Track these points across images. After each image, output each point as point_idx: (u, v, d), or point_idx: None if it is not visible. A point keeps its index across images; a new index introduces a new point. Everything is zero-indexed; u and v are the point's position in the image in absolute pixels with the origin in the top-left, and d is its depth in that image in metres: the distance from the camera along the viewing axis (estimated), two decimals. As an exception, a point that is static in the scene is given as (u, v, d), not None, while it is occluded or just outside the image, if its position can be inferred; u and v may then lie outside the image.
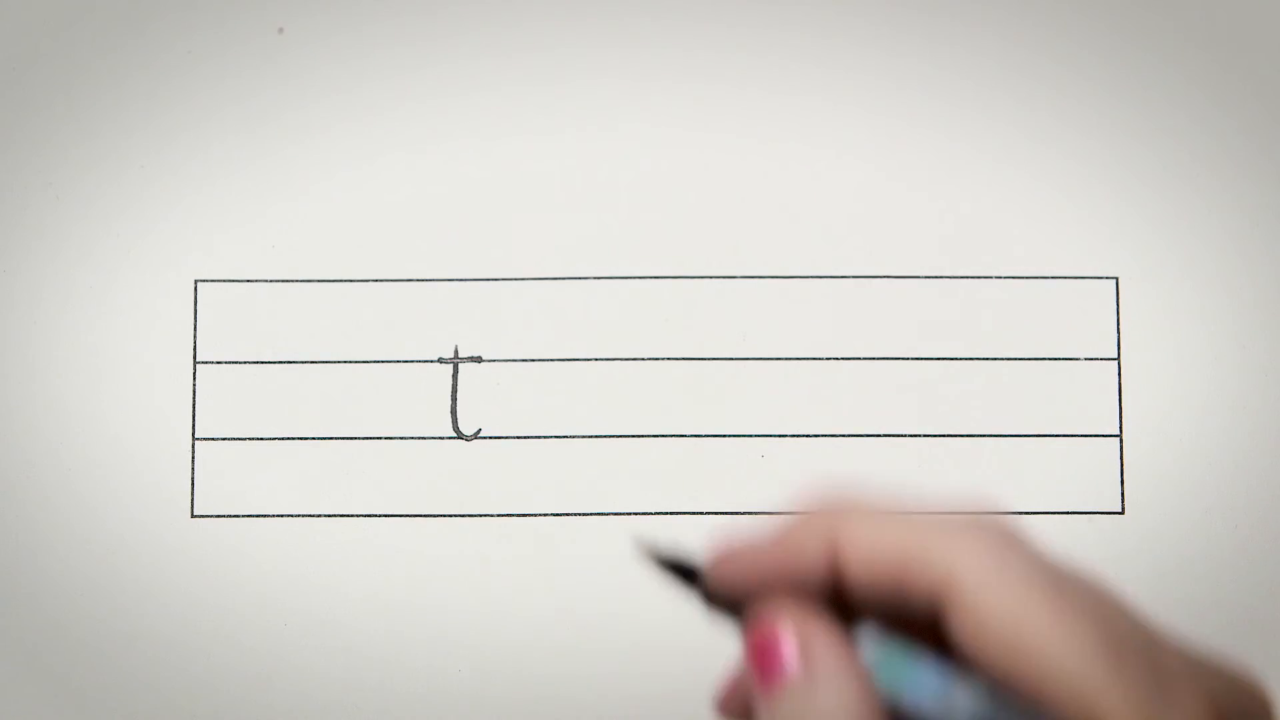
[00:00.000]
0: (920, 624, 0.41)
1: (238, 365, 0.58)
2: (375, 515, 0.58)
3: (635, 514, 0.57)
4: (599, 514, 0.58)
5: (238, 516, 0.58)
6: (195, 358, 0.58)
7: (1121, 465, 0.58)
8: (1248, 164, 0.59)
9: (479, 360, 0.59)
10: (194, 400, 0.58)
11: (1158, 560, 0.57)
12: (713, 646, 0.58)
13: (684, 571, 0.46)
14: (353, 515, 0.58)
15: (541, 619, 0.57)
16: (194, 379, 0.58)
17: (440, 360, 0.59)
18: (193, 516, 0.58)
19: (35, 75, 0.59)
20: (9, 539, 0.57)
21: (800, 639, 0.41)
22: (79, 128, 0.59)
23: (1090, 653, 0.38)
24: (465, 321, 0.59)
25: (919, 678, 0.39)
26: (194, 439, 0.58)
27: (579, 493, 0.58)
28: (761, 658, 0.42)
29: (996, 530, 0.40)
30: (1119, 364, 0.59)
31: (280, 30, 0.60)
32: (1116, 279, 0.59)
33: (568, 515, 0.58)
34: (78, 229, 0.59)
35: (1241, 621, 0.57)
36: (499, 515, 0.58)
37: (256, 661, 0.57)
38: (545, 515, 0.58)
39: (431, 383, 0.58)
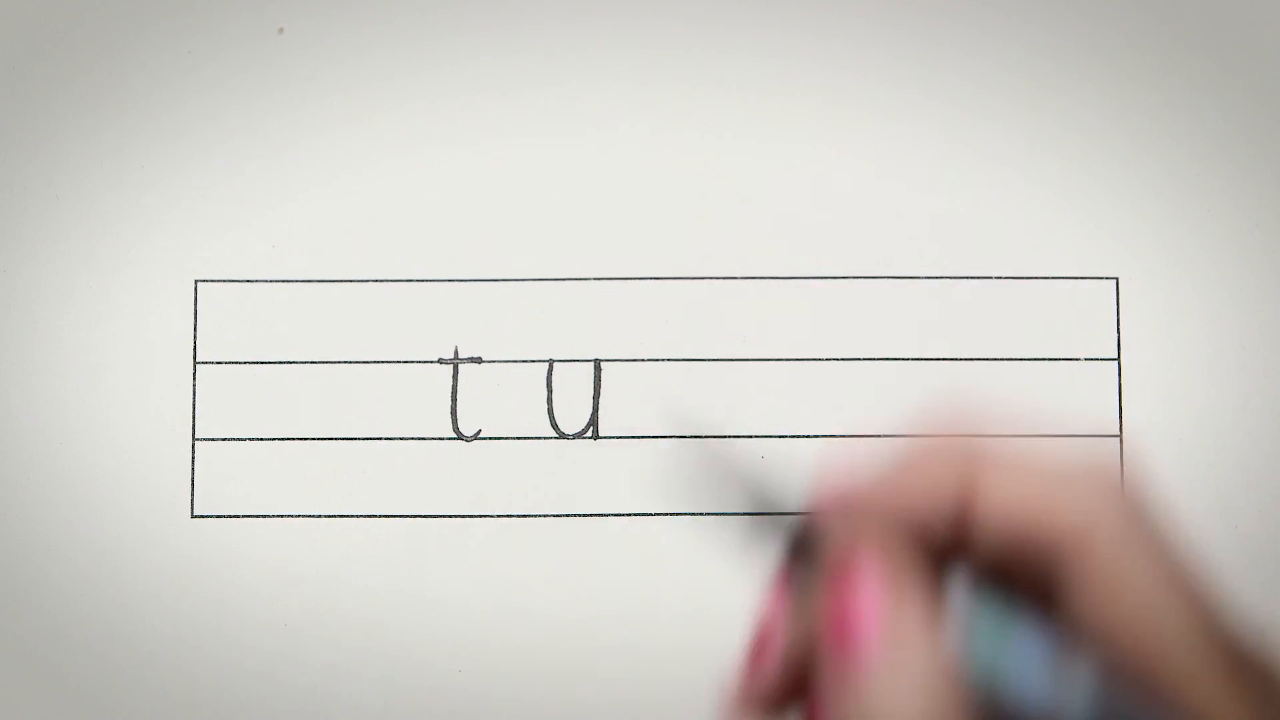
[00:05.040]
0: (1024, 582, 0.35)
1: (238, 365, 0.58)
2: (375, 515, 0.58)
3: (634, 515, 0.57)
4: (598, 515, 0.58)
5: (238, 516, 0.58)
6: (195, 358, 0.58)
7: (1122, 465, 0.58)
8: (1248, 164, 0.59)
9: (479, 361, 0.59)
10: (194, 400, 0.58)
11: (1157, 560, 0.57)
12: (713, 647, 0.58)
13: (767, 507, 0.36)
14: (353, 515, 0.58)
15: (542, 619, 0.57)
16: (194, 379, 0.58)
17: (440, 361, 0.59)
18: (193, 516, 0.58)
19: (35, 75, 0.59)
20: (9, 539, 0.57)
21: (889, 609, 0.33)
22: (79, 128, 0.59)
23: (1212, 655, 0.34)
24: (465, 322, 0.59)
25: (1021, 655, 0.33)
26: (194, 439, 0.58)
27: (578, 493, 0.58)
28: (842, 626, 0.34)
29: (1132, 489, 0.34)
30: (1119, 364, 0.59)
31: (280, 30, 0.60)
32: (1116, 279, 0.59)
33: (567, 516, 0.58)
34: (78, 229, 0.59)
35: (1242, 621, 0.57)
36: (499, 515, 0.58)
37: (256, 661, 0.57)
38: (545, 515, 0.58)
39: (431, 383, 0.58)
